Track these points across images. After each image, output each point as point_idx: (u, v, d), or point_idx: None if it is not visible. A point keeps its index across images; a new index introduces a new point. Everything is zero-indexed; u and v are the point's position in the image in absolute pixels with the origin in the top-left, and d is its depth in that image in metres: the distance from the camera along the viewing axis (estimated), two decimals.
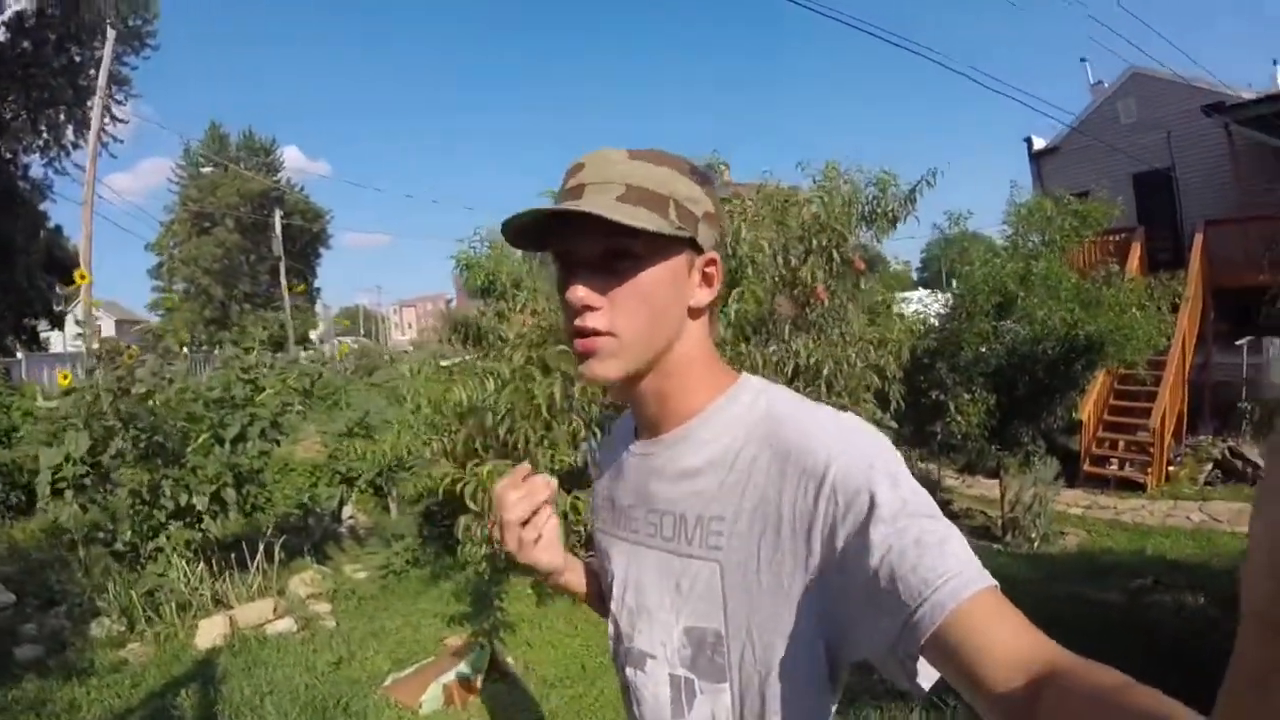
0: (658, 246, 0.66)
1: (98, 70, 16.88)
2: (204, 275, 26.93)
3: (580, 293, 0.66)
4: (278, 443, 5.12)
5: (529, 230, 0.70)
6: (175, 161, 31.46)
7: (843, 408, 0.80)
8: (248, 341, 5.56)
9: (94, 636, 3.90)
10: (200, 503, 4.39)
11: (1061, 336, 6.22)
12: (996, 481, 6.76)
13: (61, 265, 16.83)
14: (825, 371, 3.58)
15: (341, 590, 4.84)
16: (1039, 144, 13.46)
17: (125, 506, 4.27)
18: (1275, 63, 12.47)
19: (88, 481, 4.48)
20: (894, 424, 3.89)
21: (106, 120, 16.45)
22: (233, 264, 30.15)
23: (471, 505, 2.92)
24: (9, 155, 16.82)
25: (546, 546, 0.80)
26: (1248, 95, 10.72)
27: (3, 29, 16.58)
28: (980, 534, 6.54)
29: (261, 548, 4.66)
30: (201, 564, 4.34)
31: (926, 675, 0.55)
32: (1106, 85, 12.81)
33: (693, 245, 0.69)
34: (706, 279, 0.71)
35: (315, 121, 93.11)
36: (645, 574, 0.74)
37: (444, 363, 5.14)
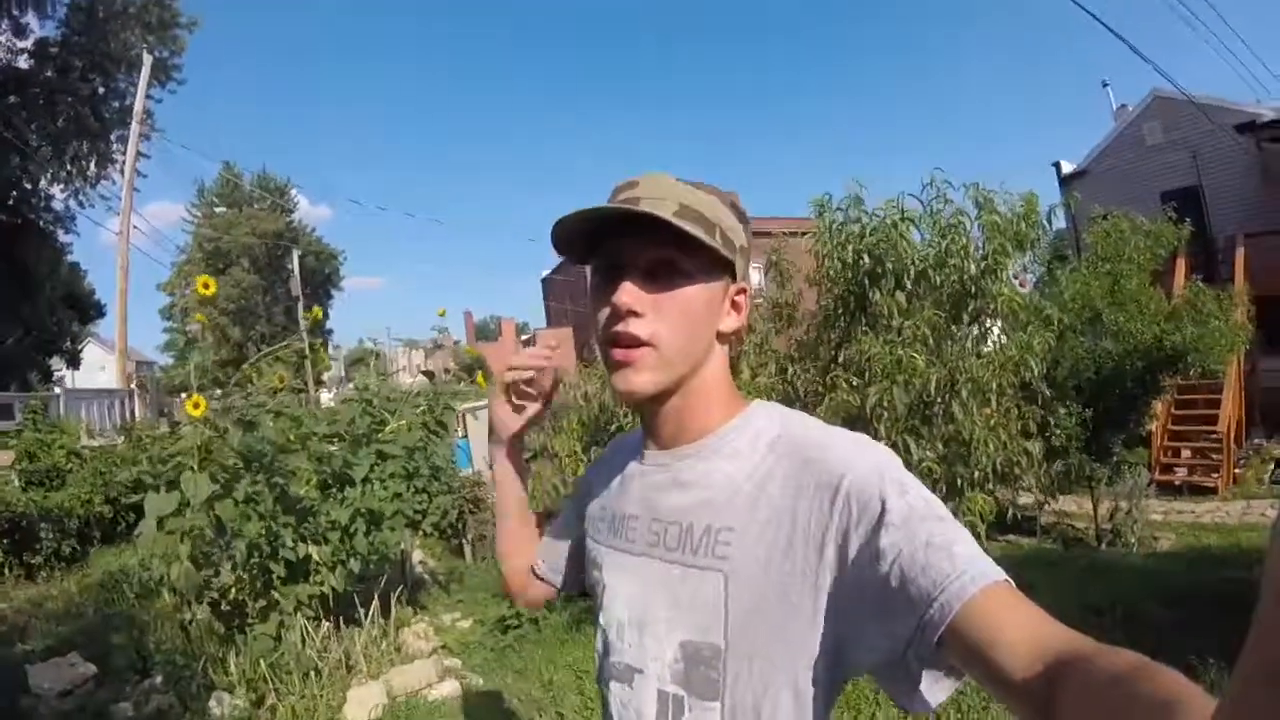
0: (702, 266, 0.68)
1: (123, 101, 16.83)
2: (220, 315, 26.59)
3: (626, 296, 0.66)
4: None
5: (578, 236, 0.70)
6: (188, 204, 31.42)
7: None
8: (363, 377, 5.12)
9: (215, 716, 3.18)
10: (320, 553, 3.90)
11: (1147, 349, 6.39)
12: (1071, 497, 6.88)
13: (79, 301, 16.51)
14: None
15: (469, 643, 4.43)
16: (1067, 168, 13.83)
17: (242, 559, 3.70)
18: None
19: (209, 533, 3.71)
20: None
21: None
22: (249, 304, 29.75)
23: None
24: (30, 186, 16.26)
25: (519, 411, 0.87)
26: (1268, 113, 11.15)
27: (27, 55, 16.22)
28: (1075, 543, 6.61)
29: (376, 599, 4.18)
30: (324, 622, 3.85)
31: (935, 689, 0.55)
32: (1130, 109, 13.25)
33: (730, 273, 0.71)
34: (736, 306, 0.73)
35: (323, 166, 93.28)
36: (641, 585, 0.72)
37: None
